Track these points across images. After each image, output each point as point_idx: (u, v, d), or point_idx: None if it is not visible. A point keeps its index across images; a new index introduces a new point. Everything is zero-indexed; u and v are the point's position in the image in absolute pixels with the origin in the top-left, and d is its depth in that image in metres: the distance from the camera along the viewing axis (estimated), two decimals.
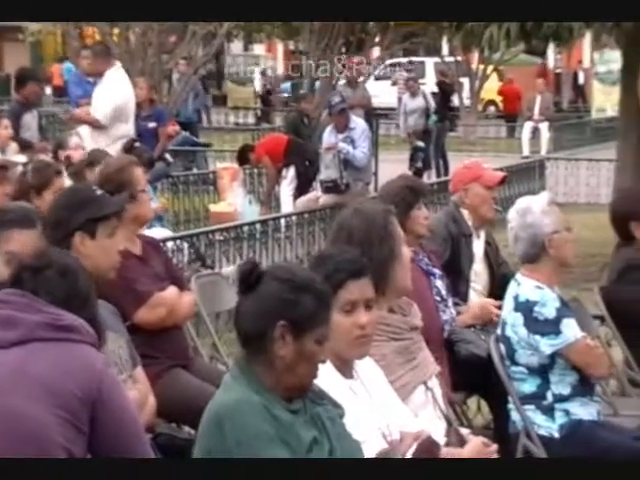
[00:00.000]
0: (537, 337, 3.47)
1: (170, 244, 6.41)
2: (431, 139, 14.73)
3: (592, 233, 9.07)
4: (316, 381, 2.19)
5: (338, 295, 2.32)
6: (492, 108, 27.08)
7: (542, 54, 28.83)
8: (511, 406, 3.52)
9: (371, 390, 2.46)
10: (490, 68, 23.23)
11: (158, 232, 6.09)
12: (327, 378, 2.30)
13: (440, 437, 2.55)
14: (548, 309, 3.49)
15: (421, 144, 14.22)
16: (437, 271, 4.19)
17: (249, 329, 2.15)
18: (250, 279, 2.14)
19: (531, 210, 3.64)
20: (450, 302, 4.18)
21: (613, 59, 17.95)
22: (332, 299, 2.22)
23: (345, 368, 2.46)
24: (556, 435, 3.42)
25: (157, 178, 9.06)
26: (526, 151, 18.18)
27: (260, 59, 27.98)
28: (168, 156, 10.17)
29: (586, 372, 3.47)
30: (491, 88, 25.62)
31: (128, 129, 7.55)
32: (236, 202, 9.75)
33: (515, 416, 3.49)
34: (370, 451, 2.24)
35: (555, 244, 3.59)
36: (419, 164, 13.89)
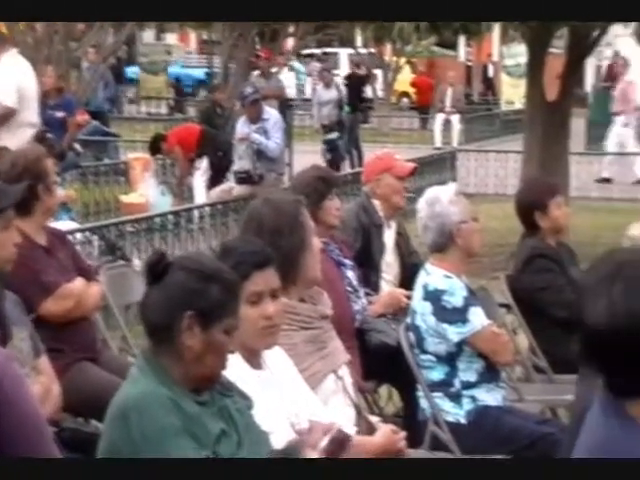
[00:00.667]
0: (445, 325, 3.53)
1: (79, 236, 6.30)
2: (345, 130, 14.81)
3: (500, 223, 9.25)
4: (224, 372, 2.19)
5: (243, 287, 2.32)
6: (405, 100, 27.38)
7: (453, 47, 29.27)
8: (420, 394, 3.58)
9: (280, 380, 2.47)
10: (403, 60, 23.47)
11: (64, 225, 5.98)
12: (235, 369, 2.30)
13: (350, 425, 2.57)
14: (456, 298, 3.55)
15: (333, 136, 14.27)
16: (348, 261, 4.23)
17: (155, 320, 2.13)
18: (157, 269, 2.12)
19: (439, 200, 3.70)
20: (361, 292, 4.22)
21: (520, 53, 18.33)
22: (240, 289, 2.22)
23: (253, 359, 2.46)
24: (463, 421, 3.49)
25: (66, 169, 8.89)
26: (438, 142, 18.44)
27: (173, 48, 27.66)
28: (77, 146, 9.99)
29: (492, 359, 3.55)
30: (404, 80, 25.89)
31: (30, 116, 7.32)
32: (148, 193, 9.64)
33: (424, 403, 3.55)
34: (279, 441, 2.24)
35: (462, 234, 3.66)
36: (328, 156, 13.94)
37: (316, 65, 18.80)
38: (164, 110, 23.34)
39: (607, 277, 1.93)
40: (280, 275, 2.52)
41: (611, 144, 14.99)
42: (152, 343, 2.15)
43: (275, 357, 2.52)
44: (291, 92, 20.41)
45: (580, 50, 8.31)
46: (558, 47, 11.43)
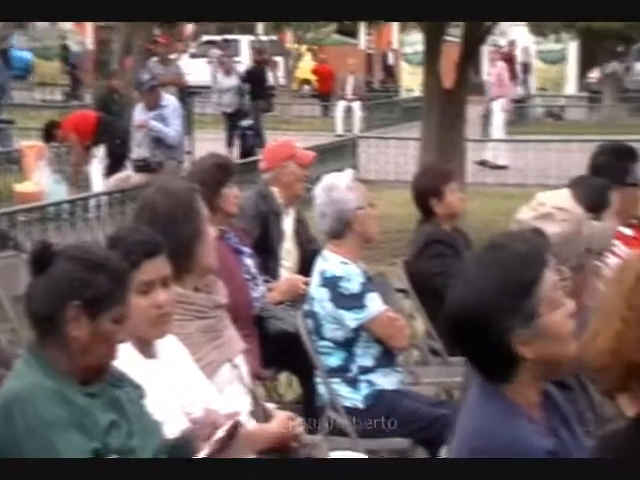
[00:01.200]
0: (342, 312, 3.55)
1: None
2: (246, 118, 14.74)
3: (400, 209, 9.35)
4: (116, 362, 2.15)
5: (133, 276, 2.28)
6: (307, 87, 27.42)
7: (354, 35, 29.44)
8: (318, 380, 3.59)
9: (174, 369, 2.44)
10: (304, 48, 23.48)
11: None
12: (127, 359, 2.26)
13: (245, 413, 2.56)
14: (353, 284, 3.58)
15: (245, 123, 14.19)
16: (247, 249, 4.21)
17: (40, 311, 2.08)
18: (41, 260, 2.07)
19: (336, 187, 3.71)
20: (260, 279, 4.21)
21: (419, 41, 18.53)
22: (130, 278, 2.18)
23: (146, 348, 2.43)
24: (360, 406, 3.52)
25: None
26: (340, 130, 18.53)
27: (68, 34, 27.00)
28: None
29: (388, 344, 3.59)
30: (306, 67, 25.92)
31: None
32: (42, 182, 9.40)
33: (322, 389, 3.57)
34: (172, 431, 2.22)
35: (359, 220, 3.68)
36: (241, 143, 13.88)
37: (216, 52, 18.63)
38: (59, 97, 22.79)
39: (470, 263, 1.99)
40: (174, 264, 2.49)
41: (497, 129, 15.22)
42: (37, 335, 2.10)
43: (169, 346, 2.49)
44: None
45: (475, 39, 8.45)
46: (454, 35, 11.61)
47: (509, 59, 22.94)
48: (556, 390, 2.17)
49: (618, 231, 3.90)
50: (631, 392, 1.75)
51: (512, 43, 23.18)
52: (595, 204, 3.40)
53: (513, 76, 22.88)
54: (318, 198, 3.74)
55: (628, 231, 4.13)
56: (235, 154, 14.42)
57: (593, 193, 3.47)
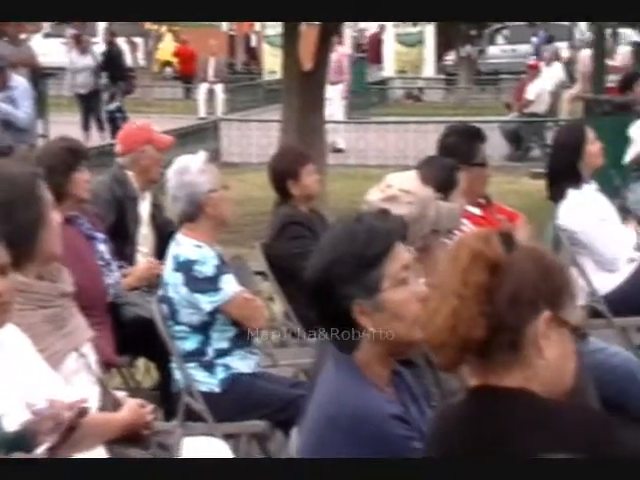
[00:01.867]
0: (197, 295, 3.52)
1: None
2: (101, 99, 14.38)
3: (263, 192, 9.33)
4: None
5: None
6: (168, 69, 27.00)
7: None
8: (174, 365, 3.56)
9: (14, 360, 2.36)
10: (164, 29, 23.09)
11: None
12: None
13: (94, 402, 2.51)
14: (207, 267, 3.55)
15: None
16: (100, 235, 4.12)
17: None
18: None
19: (188, 169, 3.67)
20: (114, 265, 4.13)
21: (279, 23, 18.53)
22: None
23: None
24: (217, 390, 3.50)
25: None
26: (202, 112, 18.34)
27: None
28: None
29: (245, 325, 3.59)
30: (167, 49, 25.49)
31: None
32: None
33: (177, 375, 3.54)
34: (12, 423, 2.15)
35: (213, 202, 3.66)
36: (90, 125, 13.50)
37: (71, 32, 18.06)
38: None
39: (326, 235, 2.06)
40: (14, 251, 2.40)
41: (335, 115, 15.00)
42: None
43: (8, 337, 2.40)
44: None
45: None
46: None
47: (377, 41, 23.28)
48: (405, 369, 2.24)
49: (467, 210, 4.02)
50: (467, 367, 1.80)
51: (382, 27, 23.52)
52: (443, 184, 3.49)
53: (378, 59, 23.23)
54: (170, 181, 3.69)
55: (476, 210, 4.26)
56: (95, 137, 14.07)
57: (441, 173, 3.56)
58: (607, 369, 3.60)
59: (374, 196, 2.92)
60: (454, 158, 3.81)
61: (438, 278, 1.83)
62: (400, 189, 2.86)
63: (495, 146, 13.74)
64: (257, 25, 26.97)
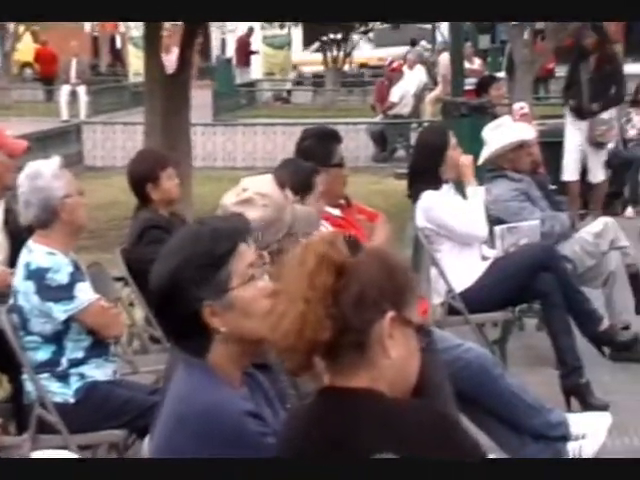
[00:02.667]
0: (50, 304, 3.42)
1: None
2: None
3: (129, 196, 9.20)
4: None
5: None
6: (29, 71, 26.20)
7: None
8: (25, 376, 3.45)
9: None
10: (22, 28, 22.39)
11: None
12: None
13: None
14: (61, 275, 3.46)
15: None
16: None
17: None
18: None
19: (42, 174, 3.57)
20: None
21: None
22: None
23: None
24: (71, 400, 3.41)
25: None
26: (65, 115, 17.90)
27: None
28: None
29: (101, 334, 3.51)
30: (26, 50, 24.73)
31: None
32: None
33: (29, 386, 3.43)
34: None
35: (67, 208, 3.57)
36: None
37: None
38: None
39: (171, 239, 2.05)
40: None
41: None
42: None
43: None
44: None
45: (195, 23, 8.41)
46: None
47: (245, 44, 23.19)
48: (259, 372, 2.24)
49: (326, 212, 4.06)
50: (315, 370, 1.81)
51: (251, 29, 23.45)
52: (300, 187, 3.51)
53: (247, 62, 23.17)
54: (22, 186, 3.57)
55: (336, 212, 4.30)
56: None
57: (298, 176, 3.58)
58: (462, 365, 3.70)
59: (229, 199, 2.90)
60: (311, 161, 3.84)
61: (285, 282, 1.83)
62: (255, 192, 2.86)
63: (361, 147, 14.01)
64: (122, 26, 26.51)
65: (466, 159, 4.94)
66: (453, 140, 4.85)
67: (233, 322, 2.02)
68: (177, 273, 1.98)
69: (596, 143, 8.24)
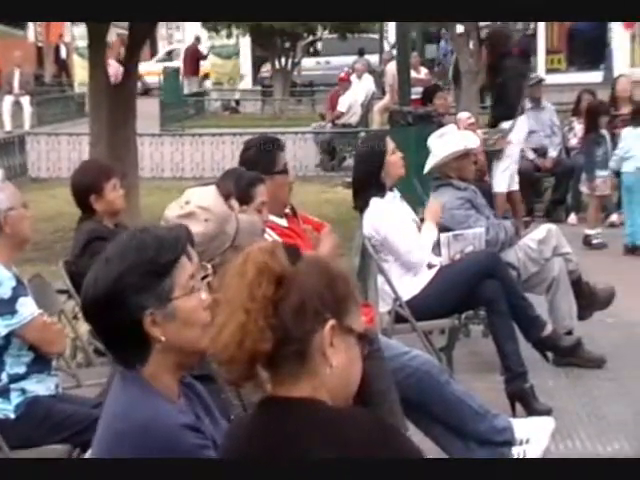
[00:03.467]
0: None
1: None
2: None
3: (75, 208, 9.11)
4: None
5: None
6: None
7: (22, 27, 28.10)
8: None
9: None
10: None
11: None
12: None
13: None
14: (3, 289, 3.41)
15: None
16: None
17: None
18: None
19: None
20: None
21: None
22: None
23: None
24: (12, 416, 3.36)
25: None
26: (8, 126, 17.68)
27: None
28: None
29: (43, 349, 3.46)
30: None
31: None
32: None
33: None
34: None
35: (11, 221, 3.52)
36: None
37: None
38: None
39: (111, 247, 2.03)
40: None
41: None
42: None
43: None
44: None
45: (140, 32, 8.37)
46: (124, 28, 11.46)
47: (193, 53, 23.10)
48: (199, 382, 2.23)
49: (272, 222, 4.05)
50: (256, 380, 1.81)
51: (198, 39, 23.37)
52: (244, 197, 3.51)
53: (196, 72, 23.05)
54: None
55: (282, 221, 4.30)
56: None
57: (242, 186, 3.57)
58: (409, 372, 3.72)
59: (172, 212, 2.89)
60: (255, 169, 3.84)
61: (226, 293, 1.83)
62: (197, 206, 2.85)
63: (310, 156, 14.02)
64: (67, 36, 26.23)
65: (436, 204, 5.02)
66: (391, 145, 4.88)
67: (173, 332, 2.01)
68: (122, 279, 1.97)
69: (492, 152, 8.09)
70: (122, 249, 2.02)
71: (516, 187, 8.20)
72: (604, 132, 8.22)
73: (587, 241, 7.99)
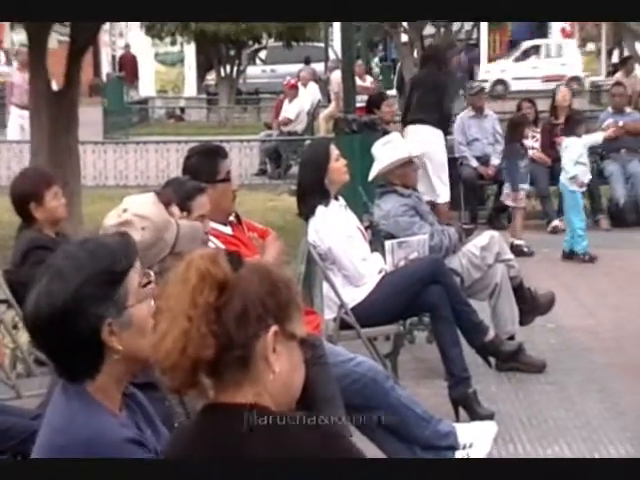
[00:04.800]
0: None
1: None
2: None
3: (13, 216, 8.98)
4: None
5: None
6: None
7: None
8: None
9: None
10: None
11: None
12: None
13: None
14: None
15: None
16: None
17: None
18: None
19: None
20: None
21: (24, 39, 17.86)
22: None
23: None
24: None
25: None
26: None
27: None
28: None
29: None
30: None
31: None
32: None
33: None
34: None
35: None
36: None
37: None
38: None
39: (58, 259, 2.01)
40: None
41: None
42: None
43: None
44: None
45: (82, 39, 8.28)
46: (65, 34, 11.33)
47: (131, 60, 22.96)
48: (141, 390, 2.21)
49: (216, 230, 4.03)
50: (199, 387, 1.80)
51: (127, 46, 23.19)
52: (186, 205, 3.49)
53: (134, 79, 22.89)
54: None
55: (227, 229, 4.28)
56: None
57: (184, 194, 3.56)
58: (354, 378, 3.74)
59: (110, 221, 2.87)
60: (198, 178, 3.82)
61: (168, 300, 1.82)
62: (134, 214, 2.83)
63: (255, 164, 14.00)
64: (7, 42, 25.87)
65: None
66: (335, 151, 4.90)
67: (129, 341, 2.01)
68: (80, 291, 1.95)
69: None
70: (74, 261, 1.99)
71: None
72: (527, 143, 8.32)
73: (517, 250, 7.60)
